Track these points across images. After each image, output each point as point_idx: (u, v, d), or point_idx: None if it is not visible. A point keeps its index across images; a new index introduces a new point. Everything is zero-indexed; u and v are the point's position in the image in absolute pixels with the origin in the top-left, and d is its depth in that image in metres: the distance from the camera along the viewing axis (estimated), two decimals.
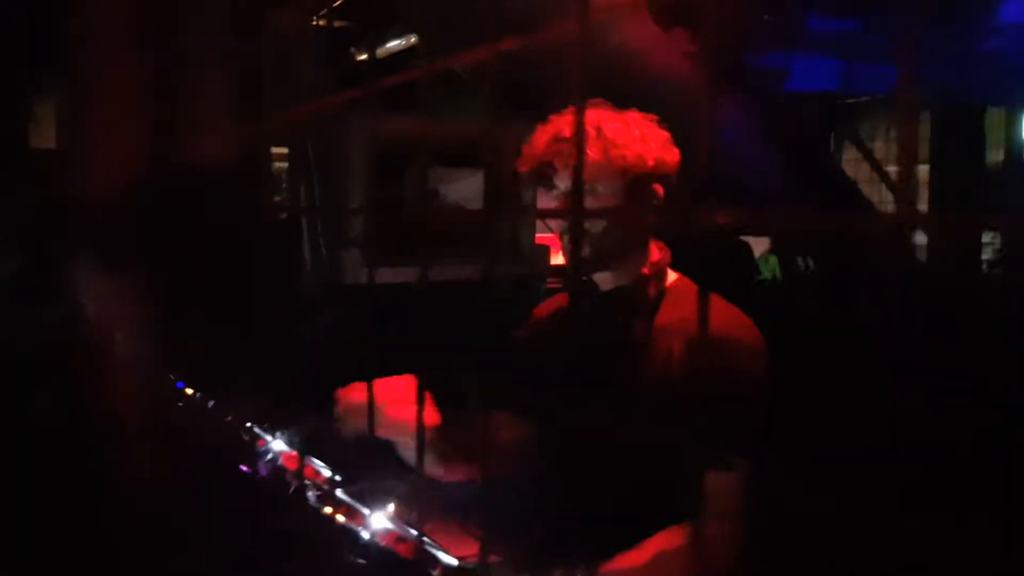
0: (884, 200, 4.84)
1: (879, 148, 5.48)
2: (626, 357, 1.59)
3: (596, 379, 1.54)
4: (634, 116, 1.60)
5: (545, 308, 1.87)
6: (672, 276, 1.67)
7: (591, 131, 1.55)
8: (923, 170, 4.67)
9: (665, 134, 1.61)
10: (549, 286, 4.72)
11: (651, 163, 1.57)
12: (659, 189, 1.61)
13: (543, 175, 1.61)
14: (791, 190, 2.98)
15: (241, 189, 1.72)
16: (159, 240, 1.57)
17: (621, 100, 1.60)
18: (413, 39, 3.17)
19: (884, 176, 4.98)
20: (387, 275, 2.39)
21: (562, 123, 1.58)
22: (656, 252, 1.66)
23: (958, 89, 3.72)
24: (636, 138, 1.57)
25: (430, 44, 2.73)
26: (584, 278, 1.66)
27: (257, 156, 1.69)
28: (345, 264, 2.48)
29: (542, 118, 1.64)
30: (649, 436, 1.47)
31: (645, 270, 1.64)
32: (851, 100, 5.29)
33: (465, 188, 2.68)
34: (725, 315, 1.58)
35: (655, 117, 1.62)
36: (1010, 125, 5.68)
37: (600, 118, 1.58)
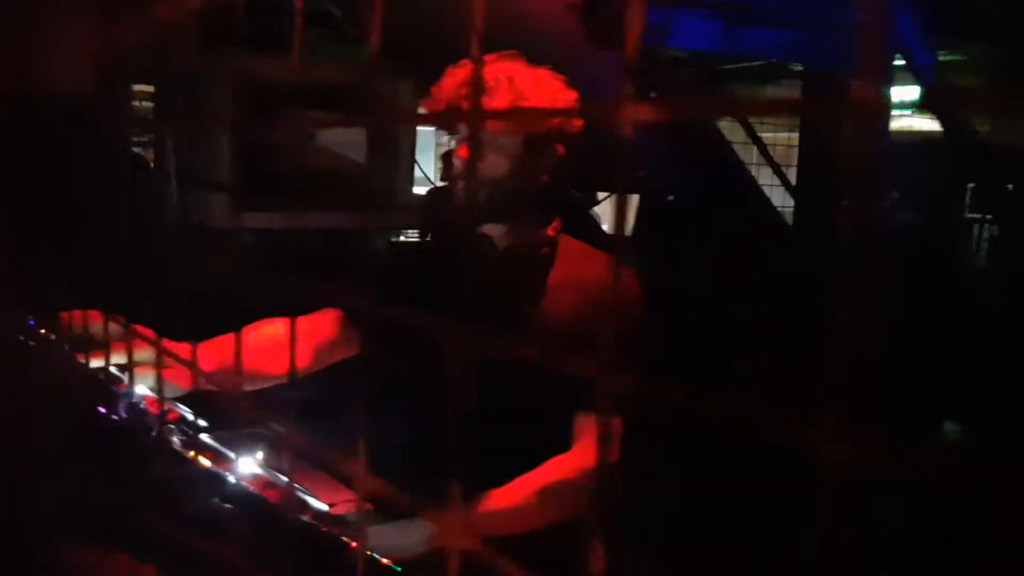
0: (757, 162, 4.96)
1: None
2: (516, 316, 1.62)
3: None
4: (545, 73, 1.61)
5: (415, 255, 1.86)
6: (560, 235, 1.70)
7: (503, 80, 1.55)
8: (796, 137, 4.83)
9: (573, 95, 1.62)
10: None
11: (555, 121, 1.59)
12: (560, 149, 1.63)
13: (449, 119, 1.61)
14: (669, 150, 3.02)
15: (99, 122, 1.62)
16: (6, 174, 1.46)
17: (501, 50, 1.57)
18: None
19: (757, 140, 5.10)
20: (255, 220, 2.31)
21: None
22: (549, 215, 1.69)
23: (827, 57, 3.83)
24: (546, 94, 1.58)
25: None
26: (478, 232, 1.65)
27: (116, 86, 1.59)
28: (213, 208, 2.38)
29: (424, 64, 1.63)
30: (530, 380, 1.47)
31: (550, 231, 1.68)
32: (728, 64, 5.39)
33: (343, 134, 2.61)
34: (609, 270, 1.55)
35: (563, 77, 1.62)
36: None
37: (512, 70, 1.58)
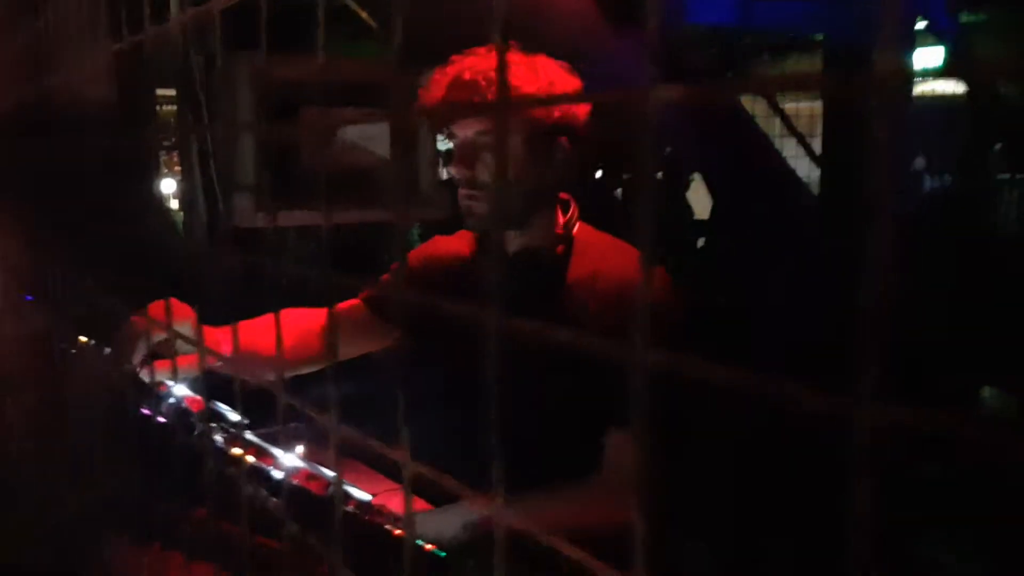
0: (781, 135, 4.91)
1: None
2: (535, 321, 1.47)
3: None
4: (543, 61, 1.50)
5: (432, 252, 1.76)
6: (577, 227, 1.60)
7: (492, 75, 1.43)
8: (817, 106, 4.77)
9: (576, 82, 1.50)
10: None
11: (557, 114, 1.49)
12: (565, 143, 1.52)
13: (442, 122, 1.53)
14: (690, 124, 3.00)
15: (123, 127, 1.64)
16: (39, 182, 1.48)
17: (516, 35, 1.52)
18: None
19: (780, 112, 5.05)
20: (282, 219, 2.33)
21: (463, 65, 1.48)
22: (564, 209, 1.60)
23: (846, 26, 3.79)
24: (544, 86, 1.46)
25: None
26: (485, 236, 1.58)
27: (138, 89, 1.59)
28: (239, 208, 2.40)
29: (439, 57, 1.56)
30: (559, 391, 1.47)
31: (558, 230, 1.58)
32: (748, 37, 5.35)
33: (366, 129, 2.62)
34: (634, 263, 1.47)
35: (566, 64, 1.52)
36: None
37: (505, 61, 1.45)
